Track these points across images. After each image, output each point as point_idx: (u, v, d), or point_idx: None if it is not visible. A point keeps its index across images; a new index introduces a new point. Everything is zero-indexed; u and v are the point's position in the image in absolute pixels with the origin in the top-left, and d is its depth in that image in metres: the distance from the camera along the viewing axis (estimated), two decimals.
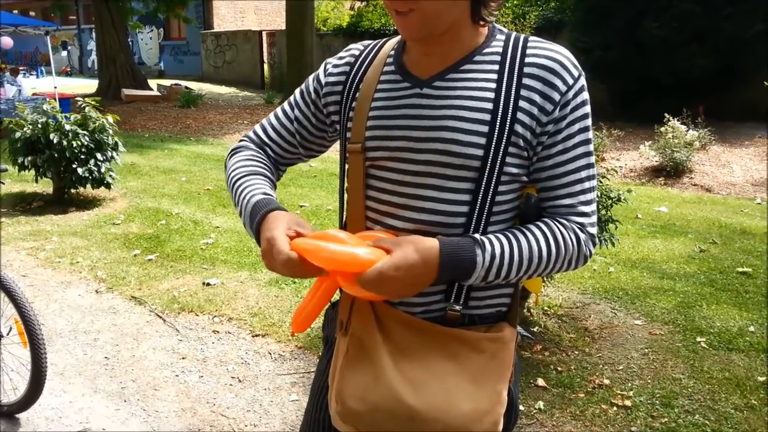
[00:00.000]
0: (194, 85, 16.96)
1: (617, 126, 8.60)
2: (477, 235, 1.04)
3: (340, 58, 1.22)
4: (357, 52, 1.21)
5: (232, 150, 1.28)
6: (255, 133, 1.29)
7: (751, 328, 3.45)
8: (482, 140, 1.04)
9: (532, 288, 1.28)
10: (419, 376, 1.05)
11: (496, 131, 1.04)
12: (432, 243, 1.01)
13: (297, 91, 1.28)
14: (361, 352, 1.09)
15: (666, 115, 7.52)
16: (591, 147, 1.10)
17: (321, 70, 1.24)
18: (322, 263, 1.02)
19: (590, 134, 1.10)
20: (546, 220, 1.08)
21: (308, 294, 1.16)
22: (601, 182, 3.36)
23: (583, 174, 1.09)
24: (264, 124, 1.29)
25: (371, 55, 1.19)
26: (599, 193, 3.26)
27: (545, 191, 1.09)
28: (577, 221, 1.09)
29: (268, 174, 1.24)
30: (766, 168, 7.42)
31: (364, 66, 1.17)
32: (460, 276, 1.02)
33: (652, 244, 4.96)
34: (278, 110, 1.29)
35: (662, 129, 7.46)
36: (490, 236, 1.04)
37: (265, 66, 18.95)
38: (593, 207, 1.10)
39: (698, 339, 3.34)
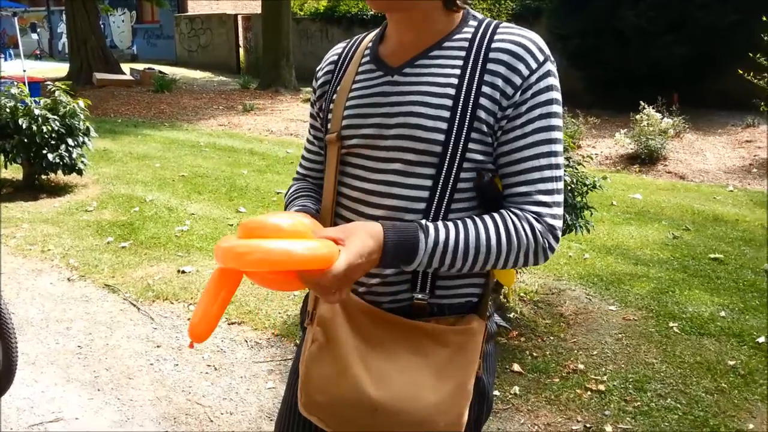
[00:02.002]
0: (168, 70, 16.66)
1: (593, 113, 8.67)
2: (423, 221, 1.04)
3: (326, 60, 1.26)
4: (340, 50, 1.24)
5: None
6: (297, 171, 1.35)
7: (722, 314, 3.52)
8: (444, 125, 1.04)
9: (504, 281, 1.26)
10: (383, 368, 1.05)
11: (458, 116, 1.04)
12: (377, 225, 1.01)
13: (309, 114, 1.32)
14: (326, 343, 1.09)
15: (641, 102, 7.60)
16: (555, 134, 1.05)
17: (314, 80, 1.28)
18: (255, 266, 0.90)
19: (555, 121, 1.05)
20: (501, 210, 1.06)
21: (208, 295, 0.99)
22: (576, 169, 3.38)
23: (543, 162, 1.05)
24: (301, 158, 1.34)
25: (353, 50, 1.21)
26: (575, 180, 3.28)
27: (504, 178, 1.07)
28: (531, 210, 1.04)
29: (312, 195, 1.25)
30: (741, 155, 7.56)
31: (346, 62, 1.20)
32: (403, 258, 1.01)
33: (627, 230, 5.02)
34: (306, 140, 1.34)
35: (637, 117, 7.53)
36: (438, 223, 1.04)
37: (241, 50, 18.70)
38: (555, 198, 1.05)
39: (671, 324, 3.39)
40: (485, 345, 1.15)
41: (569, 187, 3.21)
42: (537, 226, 1.04)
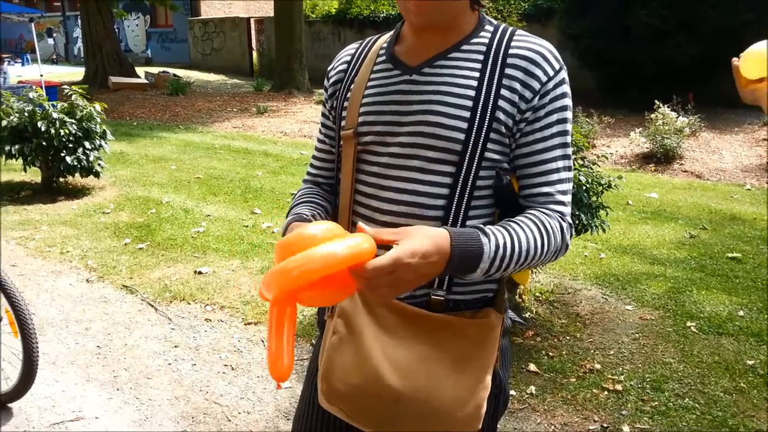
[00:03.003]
0: (182, 73, 16.80)
1: (608, 113, 8.62)
2: (480, 226, 1.03)
3: (338, 59, 1.28)
4: (353, 51, 1.27)
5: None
6: (307, 171, 1.34)
7: (741, 313, 3.49)
8: (464, 125, 1.08)
9: (520, 279, 1.27)
10: (404, 360, 1.07)
11: (478, 116, 1.07)
12: (441, 230, 0.98)
13: (321, 113, 1.32)
14: (347, 334, 1.11)
15: (656, 101, 7.55)
16: (568, 139, 1.13)
17: (325, 79, 1.29)
18: (306, 277, 0.88)
19: (568, 126, 1.12)
20: (533, 211, 1.09)
21: (273, 334, 0.96)
22: (591, 169, 3.37)
23: (560, 164, 1.11)
24: (311, 158, 1.34)
25: (365, 51, 1.24)
26: (590, 180, 3.27)
27: (524, 179, 1.12)
28: (557, 210, 1.10)
29: (315, 200, 1.24)
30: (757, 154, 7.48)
31: (359, 61, 1.22)
32: (466, 267, 0.99)
33: (643, 230, 4.99)
34: (317, 140, 1.34)
35: (652, 116, 7.48)
36: (492, 228, 1.04)
37: (254, 53, 18.80)
38: (569, 198, 1.12)
39: (688, 324, 3.37)
40: (501, 339, 1.17)
41: (584, 187, 3.20)
42: (563, 225, 1.10)
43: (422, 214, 1.10)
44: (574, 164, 3.41)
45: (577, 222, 3.17)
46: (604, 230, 3.30)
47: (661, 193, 6.13)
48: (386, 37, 1.24)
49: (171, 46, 22.78)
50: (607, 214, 3.42)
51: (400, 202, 1.11)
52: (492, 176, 1.10)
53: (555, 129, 1.10)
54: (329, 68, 1.29)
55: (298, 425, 1.28)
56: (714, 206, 5.67)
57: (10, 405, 2.65)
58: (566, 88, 1.11)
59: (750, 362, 2.98)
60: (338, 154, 1.24)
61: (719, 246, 4.59)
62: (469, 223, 1.10)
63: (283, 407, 2.68)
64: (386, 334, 1.09)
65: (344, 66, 1.25)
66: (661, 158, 7.35)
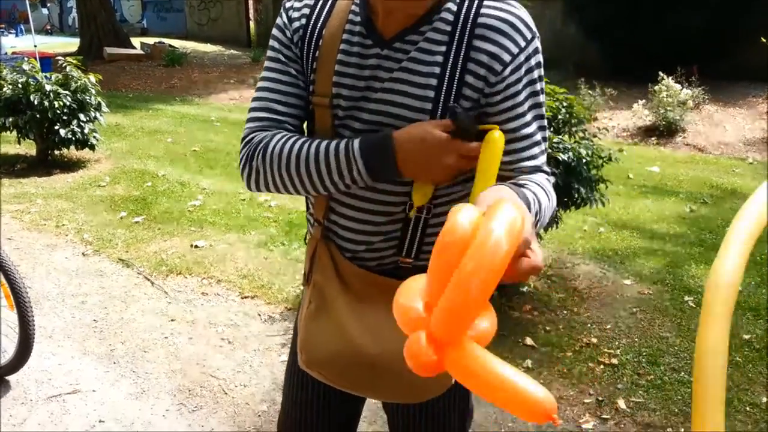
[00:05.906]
0: (178, 44, 16.56)
1: (611, 85, 8.52)
2: (527, 194, 0.95)
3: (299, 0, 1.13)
4: None
5: (254, 145, 1.09)
6: (261, 116, 1.12)
7: (738, 287, 3.48)
8: (429, 105, 1.04)
9: None
10: (378, 325, 1.10)
11: (443, 95, 1.03)
12: (512, 196, 0.85)
13: (273, 52, 1.14)
14: (322, 303, 1.15)
15: (660, 73, 7.45)
16: (543, 108, 1.08)
17: (284, 18, 1.13)
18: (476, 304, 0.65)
19: (542, 93, 1.08)
20: (536, 178, 1.06)
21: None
22: (592, 142, 3.32)
23: (539, 135, 1.08)
24: (264, 103, 1.12)
25: (329, 1, 1.12)
26: (590, 153, 3.23)
27: (507, 154, 1.05)
28: (545, 170, 1.10)
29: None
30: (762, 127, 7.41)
31: (324, 12, 1.11)
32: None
33: (643, 204, 4.96)
34: (268, 83, 1.13)
35: (656, 88, 7.39)
36: (527, 192, 0.96)
37: (251, 23, 18.55)
38: (546, 154, 1.12)
39: (686, 298, 3.36)
40: None
41: (584, 160, 3.16)
42: (551, 180, 1.11)
43: (392, 190, 1.08)
44: (574, 137, 3.37)
45: (576, 195, 3.14)
46: (603, 204, 3.27)
47: (662, 167, 6.09)
48: None
49: (167, 15, 22.44)
50: (607, 187, 3.39)
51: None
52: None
53: (532, 101, 1.05)
54: (287, 6, 1.13)
55: (287, 382, 1.33)
56: (715, 180, 5.64)
57: (7, 378, 2.65)
58: (539, 57, 1.05)
59: (746, 336, 2.97)
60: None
61: (719, 220, 4.56)
62: (437, 202, 1.08)
63: (280, 380, 2.68)
64: (359, 302, 1.13)
65: (307, 11, 1.11)
66: (663, 131, 7.29)
